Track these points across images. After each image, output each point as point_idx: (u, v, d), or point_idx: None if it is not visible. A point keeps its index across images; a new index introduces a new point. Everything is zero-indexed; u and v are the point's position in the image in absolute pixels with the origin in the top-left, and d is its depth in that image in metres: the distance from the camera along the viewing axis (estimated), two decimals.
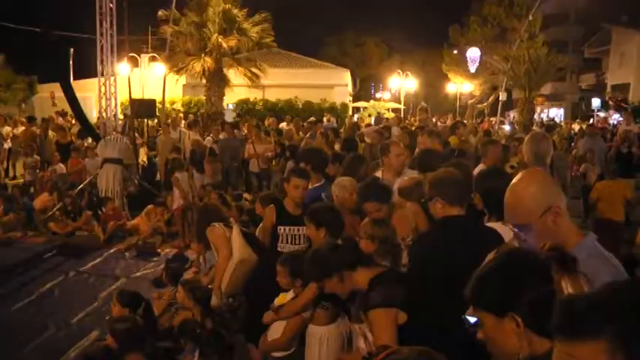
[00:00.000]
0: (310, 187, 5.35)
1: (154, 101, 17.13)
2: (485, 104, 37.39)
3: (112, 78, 14.93)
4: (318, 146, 8.65)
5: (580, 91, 50.65)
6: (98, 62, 14.62)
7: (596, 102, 46.17)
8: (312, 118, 17.84)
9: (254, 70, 26.19)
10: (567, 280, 1.63)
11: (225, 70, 26.07)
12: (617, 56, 42.45)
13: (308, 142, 11.85)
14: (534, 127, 24.50)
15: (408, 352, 1.57)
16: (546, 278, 1.64)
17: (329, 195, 5.20)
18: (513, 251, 1.91)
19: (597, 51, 45.96)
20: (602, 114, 39.52)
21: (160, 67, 24.32)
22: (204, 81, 26.30)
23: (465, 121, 21.90)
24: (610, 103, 41.27)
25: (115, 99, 15.12)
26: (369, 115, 26.45)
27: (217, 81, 25.88)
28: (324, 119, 23.38)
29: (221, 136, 14.80)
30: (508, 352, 1.67)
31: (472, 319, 2.54)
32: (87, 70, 24.87)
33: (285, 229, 4.96)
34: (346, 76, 38.43)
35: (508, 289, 1.65)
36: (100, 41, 14.48)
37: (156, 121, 19.86)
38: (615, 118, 34.09)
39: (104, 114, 14.88)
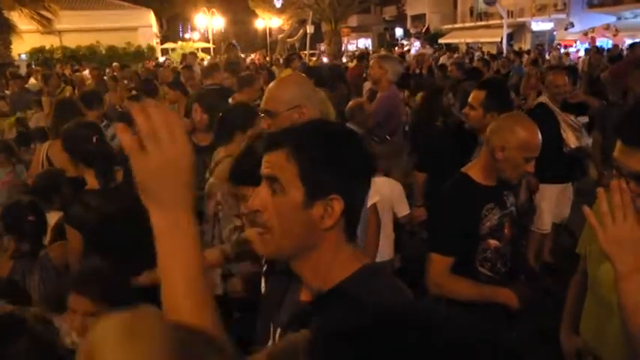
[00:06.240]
0: None
1: None
2: (295, 38, 37.68)
3: None
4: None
5: (384, 22, 53.31)
6: None
7: (399, 32, 49.14)
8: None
9: (43, 12, 23.52)
10: None
11: (6, 13, 22.99)
12: None
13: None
14: (345, 57, 25.39)
15: None
16: None
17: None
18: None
19: None
20: (405, 42, 42.27)
21: None
22: None
23: (279, 56, 21.99)
24: (411, 31, 44.14)
25: None
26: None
27: None
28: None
29: (8, 91, 13.24)
30: None
31: None
32: None
33: None
34: (150, 17, 36.32)
35: None
36: None
37: None
38: (416, 45, 36.46)
39: None
